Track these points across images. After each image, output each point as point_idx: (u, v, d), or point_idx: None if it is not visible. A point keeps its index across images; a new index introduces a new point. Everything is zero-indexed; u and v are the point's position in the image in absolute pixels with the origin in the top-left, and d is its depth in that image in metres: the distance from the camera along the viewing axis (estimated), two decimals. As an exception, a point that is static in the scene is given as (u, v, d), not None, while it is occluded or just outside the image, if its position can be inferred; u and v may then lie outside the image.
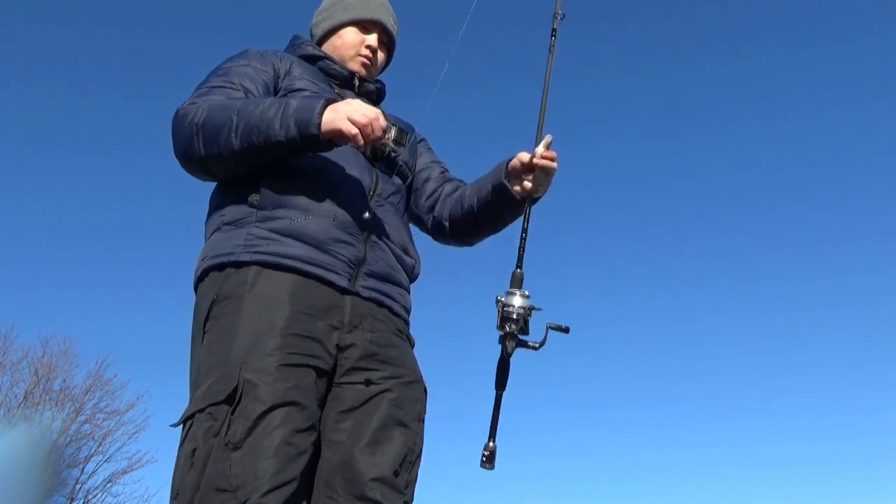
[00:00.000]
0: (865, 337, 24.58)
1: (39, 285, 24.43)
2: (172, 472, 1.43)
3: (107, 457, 16.60)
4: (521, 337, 1.57)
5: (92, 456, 16.40)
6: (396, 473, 1.49)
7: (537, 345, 1.58)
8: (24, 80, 24.23)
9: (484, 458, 1.57)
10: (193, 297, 1.66)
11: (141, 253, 25.67)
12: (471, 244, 1.93)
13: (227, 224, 1.59)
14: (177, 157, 1.63)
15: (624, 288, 27.32)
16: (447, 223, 1.87)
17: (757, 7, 26.83)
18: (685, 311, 26.77)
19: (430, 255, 1.94)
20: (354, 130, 1.52)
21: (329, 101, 1.55)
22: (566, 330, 1.60)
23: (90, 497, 16.28)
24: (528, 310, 1.57)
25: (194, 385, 1.47)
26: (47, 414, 16.45)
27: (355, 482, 1.45)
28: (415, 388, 1.60)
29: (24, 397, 16.66)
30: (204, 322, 1.53)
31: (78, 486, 15.99)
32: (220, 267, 1.55)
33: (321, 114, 1.52)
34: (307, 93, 1.69)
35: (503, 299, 1.58)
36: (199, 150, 1.56)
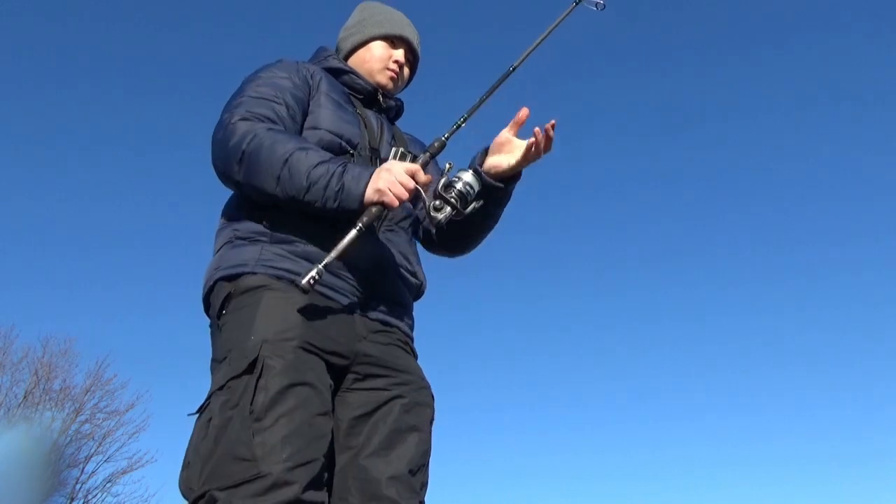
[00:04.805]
0: (864, 336, 24.58)
1: (39, 285, 24.46)
2: (188, 444, 1.45)
3: (107, 457, 16.61)
4: (441, 205, 1.62)
5: (92, 456, 16.42)
6: (412, 473, 1.54)
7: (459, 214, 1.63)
8: (25, 79, 24.27)
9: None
10: (199, 305, 1.67)
11: (141, 253, 25.70)
12: (460, 251, 1.95)
13: (240, 238, 1.62)
14: (214, 167, 1.66)
15: (622, 287, 27.33)
16: (433, 230, 1.91)
17: (754, 6, 26.83)
18: (684, 311, 26.77)
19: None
20: (396, 203, 1.55)
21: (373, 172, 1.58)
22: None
23: (90, 497, 16.29)
24: (472, 190, 1.64)
25: (214, 372, 1.50)
26: (47, 414, 16.45)
27: (370, 482, 1.48)
28: (424, 394, 1.65)
29: (24, 397, 16.67)
30: (219, 316, 1.57)
31: (78, 486, 16.00)
32: (235, 276, 1.58)
33: (363, 194, 1.54)
34: (328, 116, 1.73)
35: (452, 169, 1.64)
36: (239, 175, 1.59)
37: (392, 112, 1.95)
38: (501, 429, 24.92)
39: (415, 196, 1.58)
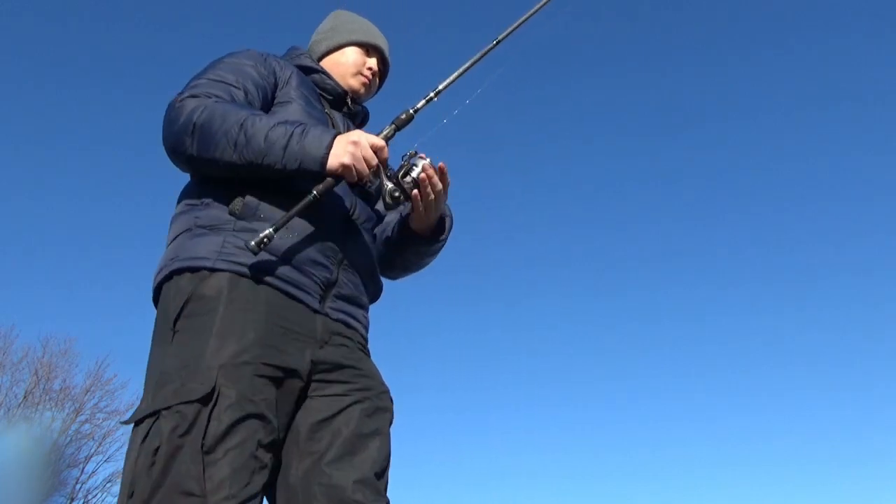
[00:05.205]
0: (864, 336, 24.57)
1: (39, 285, 24.46)
2: (123, 467, 1.39)
3: (107, 457, 16.67)
4: (396, 192, 1.62)
5: (92, 456, 16.46)
6: (378, 476, 1.53)
7: (401, 197, 1.63)
8: (25, 80, 24.24)
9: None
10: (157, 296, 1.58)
11: (141, 253, 25.66)
12: (389, 278, 1.90)
13: (202, 227, 1.56)
14: (164, 146, 1.59)
15: (621, 287, 27.31)
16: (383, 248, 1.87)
17: (754, 6, 26.82)
18: (683, 311, 26.75)
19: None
20: (356, 179, 1.55)
21: (336, 135, 1.55)
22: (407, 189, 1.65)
23: (90, 497, 16.33)
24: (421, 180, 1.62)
25: (159, 382, 1.41)
26: (47, 414, 16.47)
27: (335, 488, 1.47)
28: (384, 399, 1.63)
29: (24, 397, 16.69)
30: (175, 320, 1.48)
31: (78, 486, 16.04)
32: (193, 269, 1.51)
33: (328, 153, 1.52)
34: (297, 111, 1.70)
35: (415, 156, 1.62)
36: (192, 149, 1.53)
37: (358, 118, 1.93)
38: (501, 429, 24.90)
39: (373, 173, 1.57)
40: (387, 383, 1.67)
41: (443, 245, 1.83)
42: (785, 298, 26.01)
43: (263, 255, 1.50)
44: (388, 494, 1.57)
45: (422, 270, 1.91)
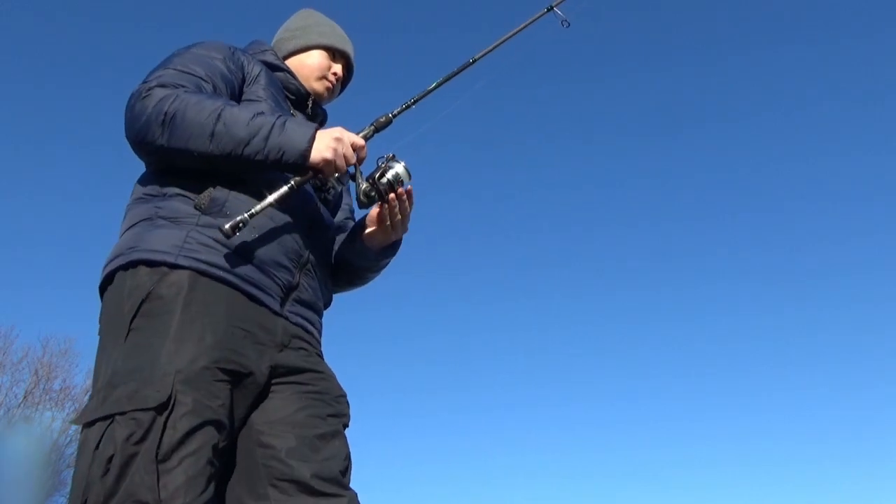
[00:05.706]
0: (865, 337, 24.59)
1: (39, 285, 24.50)
2: (75, 472, 1.35)
3: (107, 456, 16.60)
4: (371, 192, 1.63)
5: (92, 456, 16.39)
6: (342, 473, 1.54)
7: (374, 195, 1.64)
8: (25, 80, 24.28)
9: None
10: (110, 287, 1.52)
11: (140, 253, 25.65)
12: (333, 290, 1.88)
13: (164, 218, 1.51)
14: (128, 136, 1.54)
15: (620, 287, 27.32)
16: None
17: (754, 6, 26.86)
18: (682, 310, 26.78)
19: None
20: (334, 175, 1.58)
21: (317, 128, 1.56)
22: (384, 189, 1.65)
23: (90, 496, 16.27)
24: (400, 182, 1.63)
25: (111, 383, 1.37)
26: (47, 414, 16.52)
27: (300, 483, 1.47)
28: (341, 402, 1.63)
29: (24, 397, 16.75)
30: (131, 318, 1.42)
31: (78, 486, 16.00)
32: (152, 263, 1.46)
33: (310, 146, 1.52)
34: (266, 109, 1.67)
35: (392, 160, 1.63)
36: (162, 139, 1.49)
37: (317, 121, 1.92)
38: (500, 429, 24.92)
39: (348, 172, 1.60)
40: (344, 387, 1.67)
41: (388, 263, 1.84)
42: (785, 298, 26.04)
43: (227, 254, 1.48)
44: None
45: (365, 286, 1.91)
